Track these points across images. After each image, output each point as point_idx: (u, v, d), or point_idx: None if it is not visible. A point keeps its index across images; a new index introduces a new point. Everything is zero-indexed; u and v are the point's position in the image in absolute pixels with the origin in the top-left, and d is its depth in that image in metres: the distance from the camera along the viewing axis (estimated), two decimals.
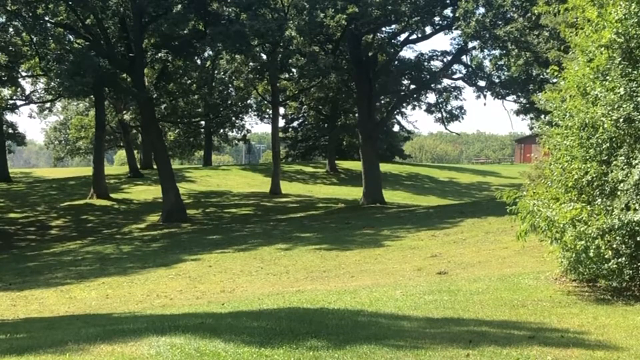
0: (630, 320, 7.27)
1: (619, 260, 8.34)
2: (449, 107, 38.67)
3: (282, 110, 47.76)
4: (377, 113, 37.35)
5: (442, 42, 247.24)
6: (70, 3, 26.37)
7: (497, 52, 30.63)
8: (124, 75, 30.58)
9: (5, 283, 15.32)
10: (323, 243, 18.16)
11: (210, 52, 33.16)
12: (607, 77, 8.82)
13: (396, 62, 34.59)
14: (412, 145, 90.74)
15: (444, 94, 38.12)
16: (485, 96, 33.62)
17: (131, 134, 46.35)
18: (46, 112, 50.38)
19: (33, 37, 28.12)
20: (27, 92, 43.23)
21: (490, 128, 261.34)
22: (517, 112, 34.83)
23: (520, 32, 26.79)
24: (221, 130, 49.98)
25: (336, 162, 49.13)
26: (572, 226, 8.38)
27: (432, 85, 36.25)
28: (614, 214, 8.15)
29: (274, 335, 6.47)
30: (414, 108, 43.67)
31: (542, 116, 21.34)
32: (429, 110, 38.94)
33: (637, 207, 8.00)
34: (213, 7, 27.77)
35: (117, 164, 73.33)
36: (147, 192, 34.56)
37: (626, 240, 8.24)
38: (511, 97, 33.47)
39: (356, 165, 41.64)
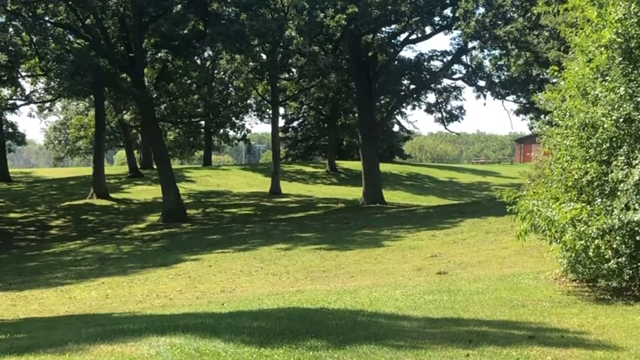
0: (630, 320, 7.27)
1: (619, 260, 8.34)
2: (449, 107, 38.69)
3: (282, 110, 47.83)
4: (377, 113, 37.36)
5: (442, 42, 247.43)
6: (70, 3, 26.37)
7: (497, 52, 30.64)
8: (124, 75, 30.59)
9: (5, 283, 15.32)
10: (323, 243, 18.15)
11: (210, 52, 33.18)
12: (607, 77, 8.82)
13: (396, 62, 34.59)
14: (412, 145, 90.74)
15: (444, 94, 38.13)
16: (485, 96, 33.63)
17: (131, 134, 46.35)
18: (46, 112, 50.47)
19: (33, 37, 28.15)
20: (27, 92, 43.29)
21: (490, 128, 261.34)
22: (517, 112, 34.84)
23: (520, 32, 26.79)
24: (221, 130, 49.98)
25: (336, 162, 49.14)
26: (572, 226, 8.38)
27: (432, 85, 36.26)
28: (614, 214, 8.15)
29: (274, 335, 6.47)
30: (414, 108, 43.77)
31: (542, 116, 21.32)
32: (429, 110, 38.96)
33: (637, 207, 8.00)
34: (213, 7, 27.77)
35: (117, 164, 73.33)
36: (147, 192, 34.56)
37: (626, 240, 8.24)
38: (511, 97, 33.49)
39: (356, 165, 41.64)
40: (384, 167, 40.78)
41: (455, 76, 35.39)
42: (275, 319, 7.49)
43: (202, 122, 48.67)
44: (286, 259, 15.96)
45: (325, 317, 7.68)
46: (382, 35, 34.24)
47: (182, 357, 5.68)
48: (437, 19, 31.53)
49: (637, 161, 8.15)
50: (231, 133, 50.58)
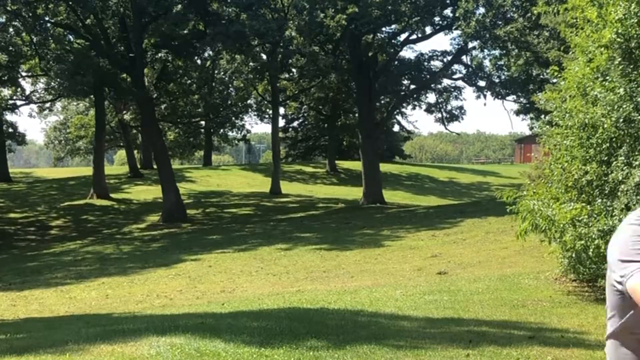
0: None
1: None
2: (449, 107, 38.72)
3: (282, 110, 47.77)
4: (377, 113, 37.36)
5: (442, 42, 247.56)
6: (70, 3, 26.37)
7: (497, 52, 30.63)
8: (124, 75, 30.59)
9: (5, 283, 15.32)
10: (323, 243, 18.16)
11: (210, 52, 33.18)
12: (607, 78, 8.82)
13: (396, 62, 34.59)
14: (412, 145, 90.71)
15: (444, 94, 38.15)
16: (485, 96, 33.64)
17: (131, 134, 46.33)
18: (46, 112, 50.38)
19: (33, 37, 28.13)
20: (27, 92, 43.24)
21: (490, 128, 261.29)
22: (517, 112, 34.84)
23: (520, 32, 26.79)
24: (221, 130, 49.97)
25: (336, 162, 49.12)
26: (572, 226, 8.38)
27: (432, 85, 36.28)
28: (614, 214, 8.15)
29: (274, 335, 6.47)
30: (414, 108, 43.76)
31: (542, 116, 21.31)
32: (429, 110, 38.97)
33: (637, 207, 7.99)
34: (213, 7, 27.77)
35: (117, 164, 73.30)
36: (147, 192, 34.56)
37: None
38: (511, 97, 33.49)
39: (356, 165, 41.64)
40: (384, 167, 40.78)
41: (455, 76, 35.42)
42: (275, 319, 7.49)
43: (202, 122, 48.66)
44: (286, 259, 15.96)
45: (325, 317, 7.68)
46: (382, 36, 34.25)
47: (182, 357, 5.68)
48: (437, 19, 31.54)
49: (637, 162, 8.15)
50: (231, 133, 50.59)
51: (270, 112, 41.85)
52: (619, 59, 8.79)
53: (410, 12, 29.11)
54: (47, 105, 47.64)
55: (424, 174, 50.79)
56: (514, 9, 27.51)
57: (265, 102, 44.89)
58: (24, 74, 37.83)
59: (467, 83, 34.58)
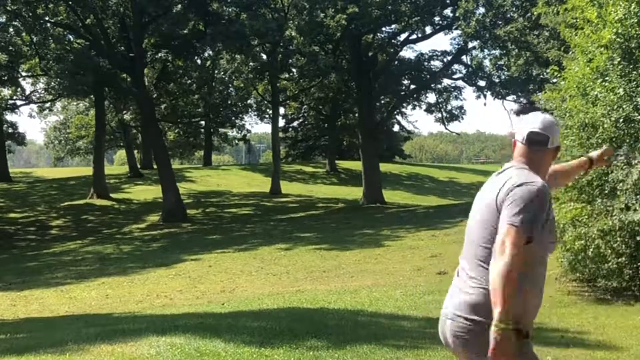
0: (630, 320, 7.27)
1: (619, 260, 8.34)
2: (449, 107, 38.70)
3: (282, 110, 47.76)
4: (377, 113, 37.35)
5: (442, 42, 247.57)
6: (70, 3, 26.38)
7: (497, 52, 30.63)
8: (124, 75, 30.60)
9: (5, 283, 15.31)
10: (323, 243, 18.16)
11: (210, 52, 33.19)
12: (607, 78, 8.82)
13: (396, 62, 34.60)
14: (412, 145, 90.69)
15: (444, 94, 38.13)
16: (485, 96, 33.61)
17: (131, 134, 46.33)
18: (46, 112, 50.34)
19: (33, 37, 28.13)
20: (27, 92, 43.25)
21: (490, 128, 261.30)
22: (517, 112, 34.80)
23: (520, 32, 26.79)
24: (221, 130, 49.96)
25: (336, 162, 49.11)
26: (572, 226, 8.38)
27: (432, 85, 36.26)
28: (614, 214, 8.15)
29: (274, 335, 6.47)
30: (414, 108, 43.74)
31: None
32: (429, 110, 38.95)
33: (637, 207, 8.00)
34: (213, 7, 27.77)
35: (117, 164, 73.29)
36: (147, 192, 34.55)
37: (626, 240, 8.24)
38: (511, 97, 33.49)
39: (356, 165, 41.64)
40: (384, 167, 40.78)
41: (455, 76, 35.40)
42: (275, 319, 7.50)
43: (202, 122, 48.66)
44: (286, 259, 15.96)
45: (325, 317, 7.68)
46: (382, 35, 34.26)
47: (182, 357, 5.69)
48: (437, 19, 31.54)
49: (636, 161, 8.15)
50: (231, 133, 50.58)
51: (270, 112, 41.87)
52: (619, 59, 8.79)
53: (410, 12, 29.11)
54: (47, 105, 47.62)
55: (424, 174, 50.79)
56: (514, 9, 27.51)
57: (265, 102, 44.89)
58: (24, 74, 37.82)
59: (467, 83, 34.57)
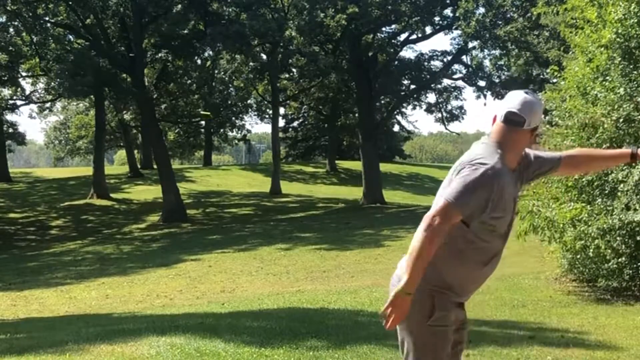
0: (630, 320, 7.27)
1: (619, 260, 8.34)
2: (449, 107, 38.73)
3: (282, 110, 47.74)
4: (377, 113, 37.35)
5: (442, 42, 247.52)
6: (70, 3, 26.37)
7: (497, 52, 30.64)
8: (124, 75, 30.59)
9: (5, 283, 15.31)
10: (323, 243, 18.16)
11: (210, 52, 33.19)
12: (607, 77, 8.82)
13: (396, 62, 34.58)
14: (412, 145, 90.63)
15: (444, 94, 38.15)
16: (485, 96, 33.60)
17: (131, 134, 46.32)
18: (46, 112, 50.35)
19: (33, 37, 28.12)
20: (27, 92, 43.23)
21: (490, 128, 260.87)
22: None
23: (520, 32, 26.79)
24: (221, 130, 49.95)
25: (336, 162, 49.08)
26: (572, 226, 8.38)
27: (432, 85, 36.27)
28: (614, 214, 8.15)
29: (274, 335, 6.47)
30: (414, 108, 43.76)
31: (542, 116, 21.33)
32: (429, 110, 38.96)
33: (637, 207, 8.00)
34: (213, 7, 27.77)
35: (117, 164, 73.25)
36: (147, 192, 34.54)
37: (626, 240, 8.24)
38: None
39: (356, 165, 41.62)
40: (384, 167, 40.76)
41: (455, 76, 35.40)
42: (275, 319, 7.50)
43: (202, 122, 48.64)
44: (286, 259, 15.96)
45: (325, 317, 7.68)
46: (382, 35, 34.25)
47: (182, 357, 5.68)
48: (437, 19, 31.53)
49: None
50: (231, 133, 50.56)
51: (270, 112, 41.86)
52: (619, 59, 8.79)
53: (410, 12, 29.11)
54: (47, 105, 47.63)
55: (424, 174, 50.76)
56: (514, 9, 27.52)
57: (265, 102, 44.89)
58: (24, 74, 37.82)
59: (467, 83, 34.58)
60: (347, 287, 10.93)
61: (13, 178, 41.33)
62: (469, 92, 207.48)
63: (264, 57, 35.95)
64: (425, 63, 35.07)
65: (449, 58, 33.83)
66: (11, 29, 29.21)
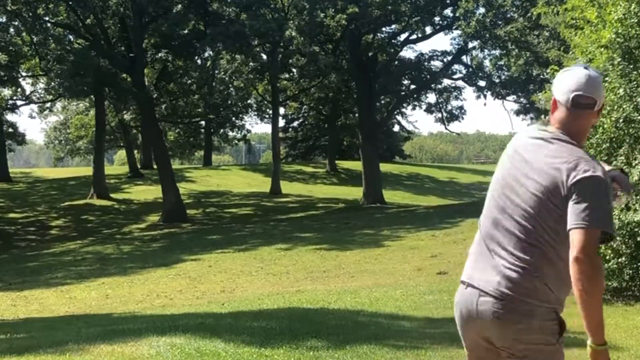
0: (630, 320, 7.27)
1: (619, 260, 8.34)
2: (449, 107, 38.76)
3: (282, 110, 47.76)
4: (377, 113, 37.35)
5: (442, 42, 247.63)
6: (70, 3, 26.38)
7: (497, 52, 30.66)
8: (124, 75, 30.60)
9: (5, 283, 15.32)
10: (323, 243, 18.16)
11: (210, 52, 33.19)
12: (607, 78, 8.82)
13: (396, 62, 34.60)
14: (412, 145, 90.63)
15: (444, 94, 38.17)
16: (485, 96, 33.65)
17: (131, 134, 46.31)
18: (46, 112, 50.35)
19: (33, 37, 28.13)
20: (27, 92, 43.23)
21: (490, 128, 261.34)
22: (517, 112, 34.86)
23: (521, 32, 26.80)
24: (221, 130, 49.96)
25: (336, 162, 49.11)
26: None
27: (432, 85, 36.28)
28: (614, 214, 8.14)
29: (274, 335, 6.47)
30: (414, 108, 43.77)
31: (542, 116, 21.32)
32: (429, 110, 38.97)
33: (637, 208, 7.99)
34: (213, 7, 27.78)
35: (117, 164, 73.28)
36: (147, 192, 34.55)
37: (626, 240, 8.24)
38: (511, 97, 33.51)
39: (356, 165, 41.64)
40: (384, 167, 40.78)
41: (455, 76, 35.43)
42: (275, 319, 7.50)
43: (202, 122, 48.65)
44: (286, 259, 15.96)
45: (325, 317, 7.68)
46: (382, 35, 34.26)
47: (182, 357, 5.68)
48: (437, 19, 31.55)
49: (637, 161, 8.15)
50: (231, 133, 50.57)
51: (271, 112, 41.86)
52: (619, 59, 8.78)
53: (410, 12, 29.12)
54: (47, 105, 47.64)
55: (424, 174, 50.79)
56: (514, 9, 27.52)
57: (266, 102, 44.89)
58: (24, 74, 37.83)
59: (467, 83, 34.60)
60: (347, 287, 10.93)
61: (13, 178, 41.34)
62: (469, 92, 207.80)
63: (264, 57, 35.97)
64: (425, 63, 35.10)
65: (449, 58, 33.85)
66: (11, 29, 29.22)
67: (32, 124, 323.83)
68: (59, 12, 28.21)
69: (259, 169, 47.51)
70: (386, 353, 5.83)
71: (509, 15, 27.78)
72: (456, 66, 34.43)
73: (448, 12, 31.11)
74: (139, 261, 17.54)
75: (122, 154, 66.06)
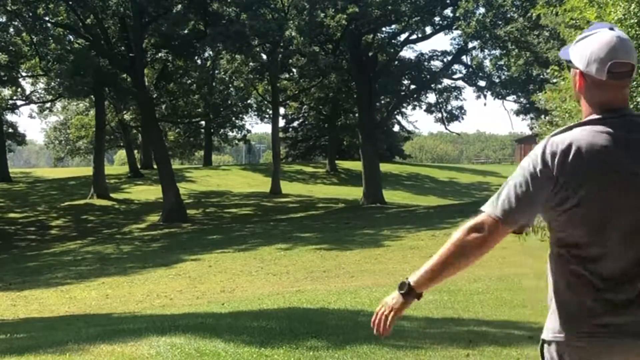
0: None
1: None
2: (449, 107, 38.76)
3: (282, 110, 47.76)
4: (377, 113, 37.36)
5: (442, 42, 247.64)
6: (70, 3, 26.38)
7: (497, 52, 30.66)
8: (124, 75, 30.60)
9: (5, 283, 15.32)
10: (323, 243, 18.16)
11: (210, 52, 33.19)
12: None
13: (396, 62, 34.61)
14: (412, 145, 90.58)
15: (444, 94, 38.17)
16: (485, 96, 33.66)
17: (131, 134, 46.32)
18: (46, 112, 50.36)
19: (33, 37, 28.14)
20: (27, 92, 43.23)
21: (490, 128, 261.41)
22: (517, 112, 34.88)
23: (521, 32, 26.80)
24: (221, 130, 49.97)
25: (336, 162, 49.11)
26: None
27: (432, 85, 36.29)
28: None
29: (274, 335, 6.47)
30: (414, 108, 43.80)
31: (542, 116, 21.34)
32: (429, 110, 38.98)
33: None
34: (213, 7, 27.77)
35: (117, 164, 73.28)
36: (147, 192, 34.55)
37: None
38: (511, 97, 33.52)
39: (356, 165, 41.64)
40: (384, 167, 40.78)
41: (455, 76, 35.43)
42: (275, 319, 7.50)
43: (202, 122, 48.66)
44: (286, 259, 15.96)
45: (325, 317, 7.68)
46: (382, 35, 34.26)
47: (182, 357, 5.68)
48: (437, 19, 31.56)
49: None
50: (231, 133, 50.59)
51: (271, 112, 41.87)
52: None
53: (410, 12, 29.13)
54: (47, 105, 47.64)
55: (424, 174, 50.79)
56: (514, 9, 27.52)
57: (266, 102, 44.89)
58: (24, 74, 37.83)
59: (467, 83, 34.61)
60: (347, 287, 10.93)
61: (13, 178, 41.34)
62: (469, 92, 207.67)
63: (264, 57, 35.96)
64: (425, 63, 35.11)
65: (449, 58, 33.86)
66: (11, 29, 29.21)
67: (32, 124, 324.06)
68: (59, 12, 28.22)
69: (259, 169, 47.51)
70: (386, 353, 5.83)
71: (509, 15, 27.78)
72: (456, 66, 34.48)
73: (448, 12, 31.13)
74: (139, 261, 17.55)
75: (122, 154, 66.06)
